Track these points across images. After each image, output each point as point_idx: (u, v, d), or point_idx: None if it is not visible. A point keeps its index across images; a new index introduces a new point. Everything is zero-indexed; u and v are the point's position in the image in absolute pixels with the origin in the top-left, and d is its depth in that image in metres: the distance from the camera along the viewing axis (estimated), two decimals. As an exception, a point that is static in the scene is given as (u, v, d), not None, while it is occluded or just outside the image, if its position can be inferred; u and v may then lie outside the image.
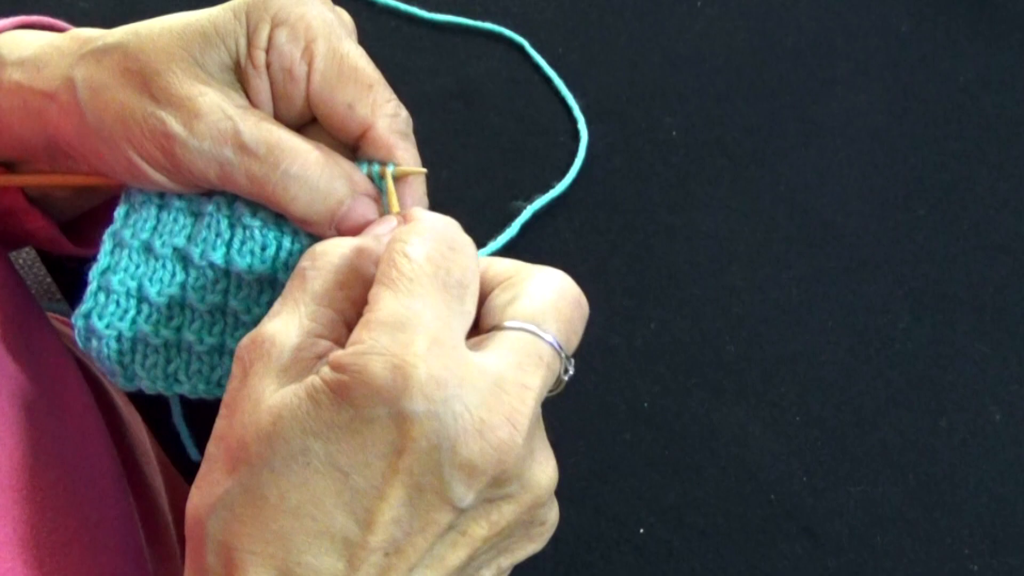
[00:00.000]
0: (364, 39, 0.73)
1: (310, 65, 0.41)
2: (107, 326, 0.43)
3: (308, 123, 0.44)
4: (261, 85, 0.42)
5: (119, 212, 0.43)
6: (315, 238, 0.43)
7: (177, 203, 0.43)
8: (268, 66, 0.41)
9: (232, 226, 0.43)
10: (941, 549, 0.55)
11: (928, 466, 0.57)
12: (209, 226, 0.42)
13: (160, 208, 0.43)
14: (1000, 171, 0.67)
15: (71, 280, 0.63)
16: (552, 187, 0.65)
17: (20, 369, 0.46)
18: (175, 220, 0.43)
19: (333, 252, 0.38)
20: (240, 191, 0.41)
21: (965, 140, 0.68)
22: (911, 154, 0.68)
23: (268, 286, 0.43)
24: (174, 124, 0.39)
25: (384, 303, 0.35)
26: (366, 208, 0.42)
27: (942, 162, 0.68)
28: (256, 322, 0.43)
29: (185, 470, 0.60)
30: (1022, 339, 0.61)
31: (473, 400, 0.34)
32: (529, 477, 0.37)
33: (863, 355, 0.61)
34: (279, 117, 0.43)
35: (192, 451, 0.46)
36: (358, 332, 0.35)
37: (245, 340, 0.37)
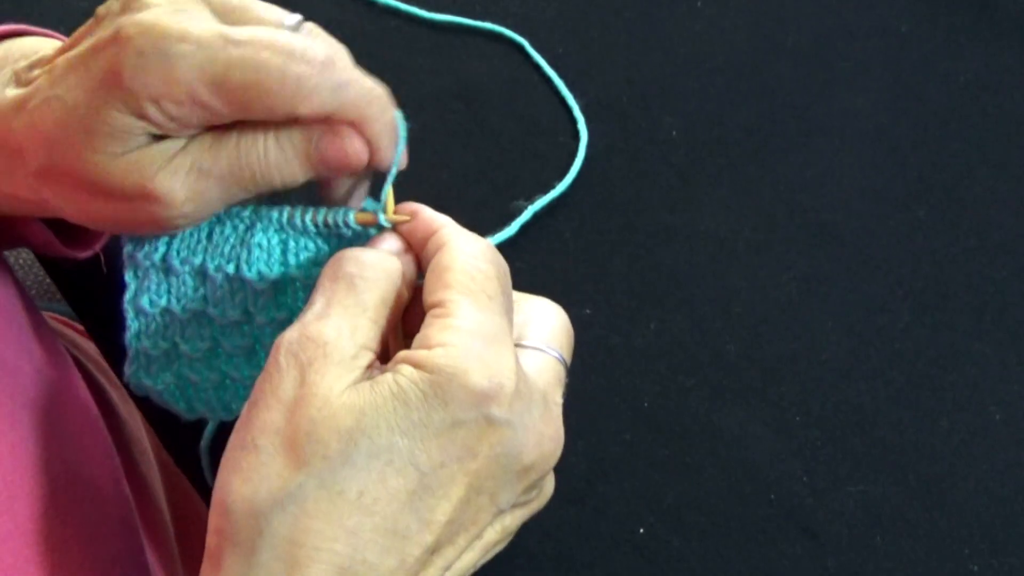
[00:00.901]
0: (364, 39, 0.73)
1: (209, 104, 0.38)
2: (157, 382, 0.44)
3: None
4: (184, 126, 0.39)
5: (128, 276, 0.44)
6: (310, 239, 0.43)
7: (180, 268, 0.43)
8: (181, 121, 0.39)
9: (244, 286, 0.43)
10: (941, 549, 0.55)
11: (928, 466, 0.57)
12: (221, 287, 0.43)
13: (167, 273, 0.44)
14: (1000, 171, 0.67)
15: (70, 280, 0.64)
16: (552, 187, 0.65)
17: (20, 369, 0.46)
18: (185, 284, 0.44)
19: (381, 267, 0.38)
20: (231, 85, 0.37)
21: (965, 140, 0.68)
22: (911, 154, 0.68)
23: (282, 324, 0.44)
24: (157, 211, 0.39)
25: (469, 313, 0.37)
26: (337, 136, 0.40)
27: (942, 162, 0.68)
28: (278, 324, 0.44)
29: (186, 468, 0.60)
30: (1022, 339, 0.61)
31: (535, 414, 0.37)
32: (545, 486, 0.40)
33: (863, 355, 0.61)
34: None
35: (208, 476, 0.48)
36: (439, 334, 0.36)
37: (294, 335, 0.36)
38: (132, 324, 0.44)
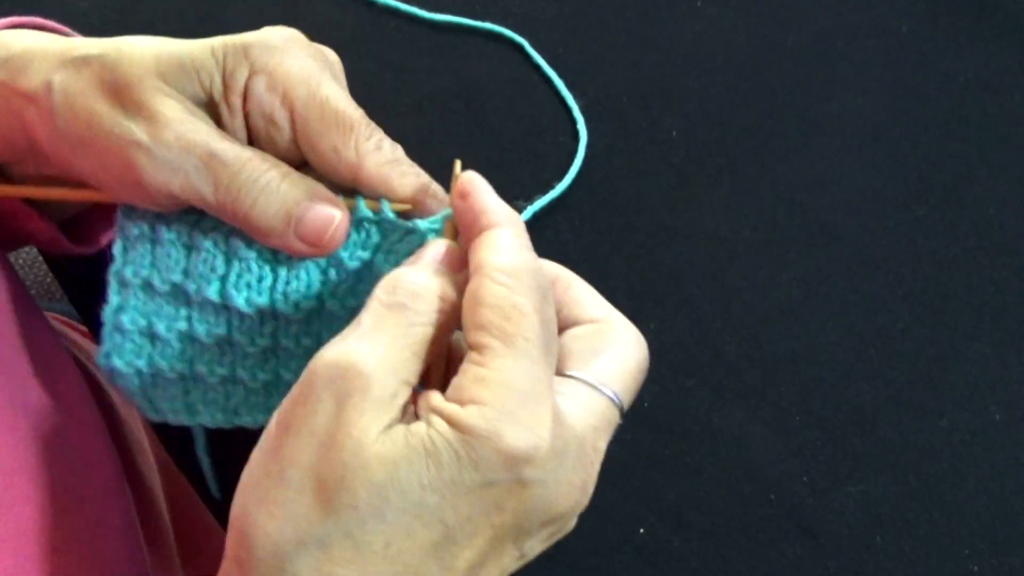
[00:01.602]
0: (364, 39, 0.73)
1: (291, 112, 0.41)
2: (127, 364, 0.43)
3: (300, 166, 0.43)
4: (236, 128, 0.42)
5: (117, 249, 0.43)
6: (312, 268, 0.42)
7: (167, 235, 0.43)
8: (247, 114, 0.41)
9: (228, 261, 0.42)
10: (941, 549, 0.55)
11: (928, 466, 0.57)
12: (205, 260, 0.43)
13: (153, 243, 0.43)
14: (1000, 171, 0.67)
15: (71, 279, 0.64)
16: (552, 187, 0.65)
17: (20, 369, 0.46)
18: (168, 255, 0.43)
19: (431, 297, 0.38)
20: (202, 201, 0.41)
21: (965, 140, 0.68)
22: (911, 154, 0.68)
23: (269, 317, 0.43)
24: (140, 134, 0.39)
25: (502, 361, 0.36)
26: (322, 209, 0.41)
27: (942, 162, 0.68)
28: (263, 352, 0.44)
29: (187, 470, 0.60)
30: (1022, 339, 0.61)
31: (570, 464, 0.37)
32: (566, 525, 0.39)
33: (863, 355, 0.61)
34: None
35: (212, 484, 0.47)
36: (473, 386, 0.35)
37: (334, 359, 0.35)
38: (113, 298, 0.43)
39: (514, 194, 0.65)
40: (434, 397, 0.36)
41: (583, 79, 0.70)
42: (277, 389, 0.45)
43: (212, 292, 0.42)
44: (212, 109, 0.41)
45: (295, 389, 0.36)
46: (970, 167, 0.67)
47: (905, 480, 0.57)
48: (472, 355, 0.36)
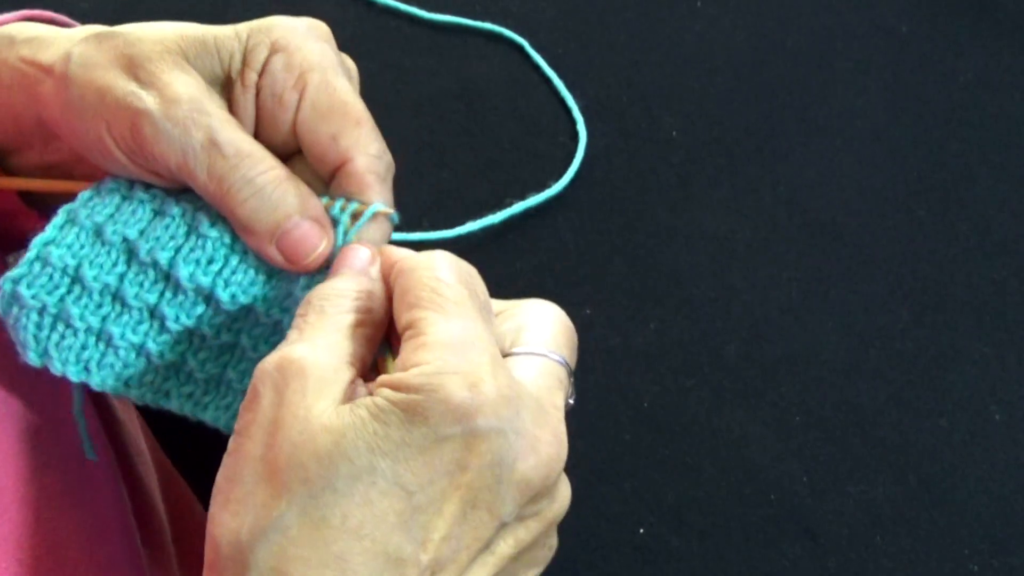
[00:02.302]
0: (364, 39, 0.73)
1: (301, 94, 0.41)
2: (33, 296, 0.42)
3: (290, 155, 0.44)
4: (246, 105, 0.42)
5: (83, 195, 0.43)
6: (260, 270, 0.43)
7: (141, 195, 0.43)
8: (258, 90, 0.42)
9: (188, 233, 0.42)
10: (941, 549, 0.55)
11: (928, 466, 0.57)
12: (167, 227, 0.42)
13: (124, 199, 0.43)
14: (1000, 171, 0.67)
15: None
16: (550, 187, 0.65)
17: (16, 370, 0.46)
18: (134, 212, 0.43)
19: (347, 292, 0.39)
20: (194, 183, 0.41)
21: (965, 140, 0.69)
22: (911, 154, 0.68)
23: (203, 300, 0.43)
24: (151, 102, 0.40)
25: (437, 326, 0.36)
26: (311, 231, 0.41)
27: (942, 162, 0.68)
28: (181, 333, 0.44)
29: (183, 469, 0.60)
30: (1022, 339, 0.61)
31: (528, 417, 0.36)
32: (556, 494, 0.38)
33: (863, 355, 0.61)
34: (260, 141, 0.43)
35: (89, 451, 0.46)
36: (413, 354, 0.35)
37: (272, 360, 0.36)
38: (52, 231, 0.42)
39: (514, 194, 0.65)
40: (380, 378, 0.36)
41: (583, 79, 0.70)
42: (176, 373, 0.45)
43: (163, 257, 0.42)
44: (227, 86, 0.42)
45: (244, 400, 0.36)
46: (970, 167, 0.67)
47: (905, 480, 0.57)
48: (408, 333, 0.36)
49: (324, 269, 0.42)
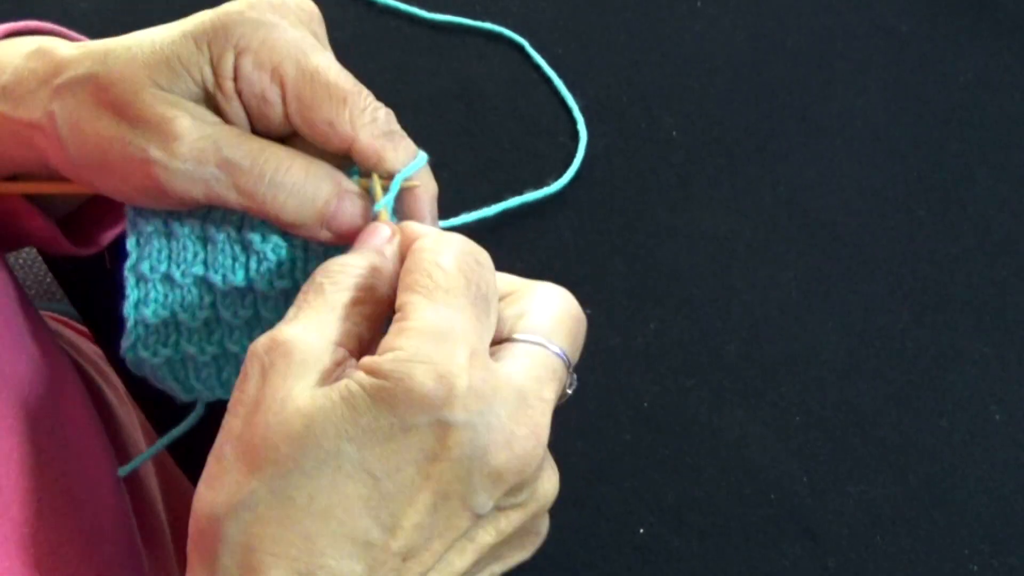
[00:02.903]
0: (364, 39, 0.73)
1: (282, 88, 0.41)
2: (154, 354, 0.44)
3: (291, 136, 0.44)
4: (235, 110, 0.42)
5: (130, 244, 0.44)
6: (324, 249, 0.43)
7: (180, 230, 0.44)
8: (239, 93, 0.41)
9: (245, 250, 0.43)
10: (941, 549, 0.55)
11: (928, 466, 0.57)
12: (223, 251, 0.44)
13: (168, 238, 0.44)
14: (1000, 171, 0.67)
15: (71, 280, 0.64)
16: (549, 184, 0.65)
17: (17, 371, 0.46)
18: (185, 248, 0.44)
19: (348, 268, 0.39)
20: (229, 206, 0.41)
21: (965, 140, 0.68)
22: (911, 154, 0.68)
23: (293, 293, 0.44)
24: (154, 150, 0.39)
25: (421, 312, 0.36)
26: (353, 205, 0.42)
27: (942, 162, 0.68)
28: None
29: (187, 469, 0.60)
30: (1022, 339, 0.61)
31: (503, 412, 0.36)
32: (538, 487, 0.38)
33: (863, 355, 0.61)
34: (260, 135, 0.43)
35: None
36: (394, 339, 0.35)
37: (262, 340, 0.37)
38: (132, 292, 0.44)
39: (513, 193, 0.65)
40: (362, 359, 0.36)
41: (583, 79, 0.70)
42: None
43: (239, 280, 0.43)
44: (209, 99, 0.42)
45: (237, 380, 0.37)
46: (970, 167, 0.67)
47: (905, 480, 0.57)
48: (397, 314, 0.37)
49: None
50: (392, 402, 0.34)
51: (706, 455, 0.57)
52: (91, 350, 0.64)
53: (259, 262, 0.43)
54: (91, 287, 0.61)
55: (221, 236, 0.43)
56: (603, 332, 0.61)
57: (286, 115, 0.42)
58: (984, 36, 0.73)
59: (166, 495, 0.60)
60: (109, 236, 0.53)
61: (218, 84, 0.41)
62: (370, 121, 0.42)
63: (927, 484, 0.57)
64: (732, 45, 0.72)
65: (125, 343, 0.44)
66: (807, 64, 0.72)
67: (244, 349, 0.43)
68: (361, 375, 0.35)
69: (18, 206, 0.48)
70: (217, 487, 0.35)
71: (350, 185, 0.42)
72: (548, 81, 0.70)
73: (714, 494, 0.56)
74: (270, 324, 0.44)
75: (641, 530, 0.55)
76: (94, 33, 0.48)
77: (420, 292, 0.36)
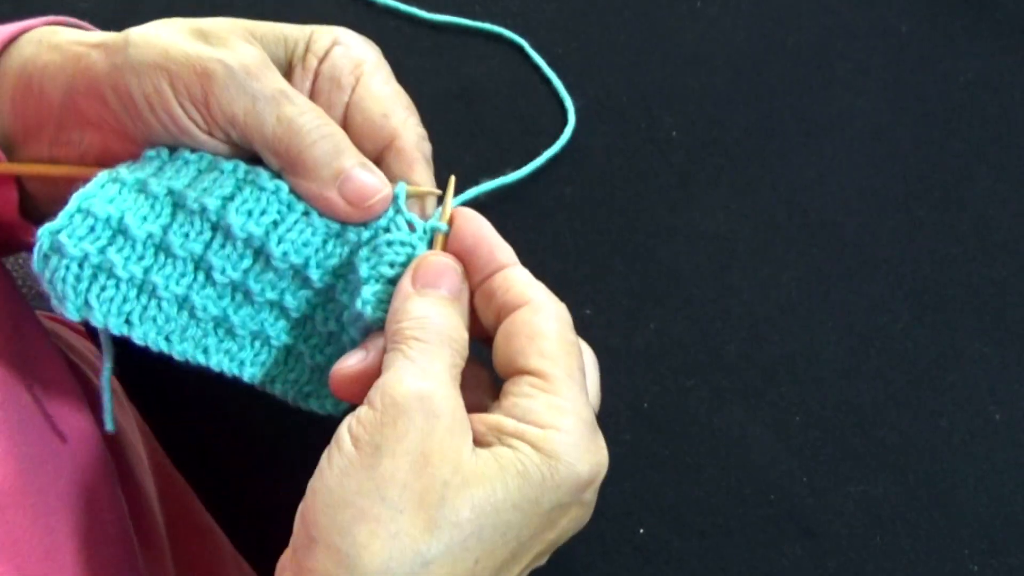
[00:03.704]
0: (364, 39, 0.72)
1: (357, 80, 0.44)
2: (75, 245, 0.40)
3: None
4: (303, 90, 0.44)
5: (125, 163, 0.43)
6: (323, 223, 0.43)
7: (187, 155, 0.43)
8: (316, 75, 0.44)
9: (240, 184, 0.42)
10: (941, 549, 0.55)
11: (928, 466, 0.57)
12: (216, 179, 0.42)
13: (169, 159, 0.43)
14: (1000, 171, 0.67)
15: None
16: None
17: (13, 373, 0.45)
18: (179, 169, 0.43)
19: (438, 319, 0.40)
20: (262, 130, 0.42)
21: (965, 140, 0.68)
22: (911, 154, 0.68)
23: (252, 254, 0.43)
24: (224, 53, 0.41)
25: (574, 395, 0.39)
26: (372, 178, 0.43)
27: (942, 162, 0.68)
28: (228, 285, 0.43)
29: (185, 470, 0.60)
30: (1022, 339, 0.61)
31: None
32: None
33: (863, 355, 0.61)
34: None
35: (108, 419, 0.46)
36: (552, 416, 0.38)
37: (412, 393, 0.37)
38: (93, 186, 0.41)
39: (513, 192, 0.65)
40: (507, 422, 0.38)
41: (583, 79, 0.70)
42: (222, 328, 0.44)
43: (212, 204, 0.42)
44: (287, 73, 0.45)
45: (374, 414, 0.37)
46: (970, 167, 0.67)
47: (905, 480, 0.57)
48: (535, 381, 0.39)
49: (385, 260, 0.42)
50: (559, 481, 0.37)
51: (706, 455, 0.57)
52: (88, 350, 0.64)
53: (243, 201, 0.42)
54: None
55: (227, 165, 0.42)
56: (603, 332, 0.61)
57: (346, 108, 0.44)
58: (984, 36, 0.73)
59: (163, 497, 0.60)
60: None
61: (304, 58, 0.44)
62: (422, 135, 0.46)
63: (927, 484, 0.57)
64: (732, 45, 0.72)
65: (49, 225, 0.41)
66: (807, 64, 0.72)
67: (165, 286, 0.42)
68: (529, 449, 0.37)
69: (12, 219, 0.47)
70: (385, 536, 0.35)
71: (375, 168, 0.43)
72: (548, 81, 0.70)
73: (714, 494, 0.56)
74: (208, 271, 0.43)
75: (641, 530, 0.55)
76: (94, 33, 0.48)
77: (563, 368, 0.39)
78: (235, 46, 0.42)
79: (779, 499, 0.56)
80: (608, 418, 0.58)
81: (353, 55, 0.44)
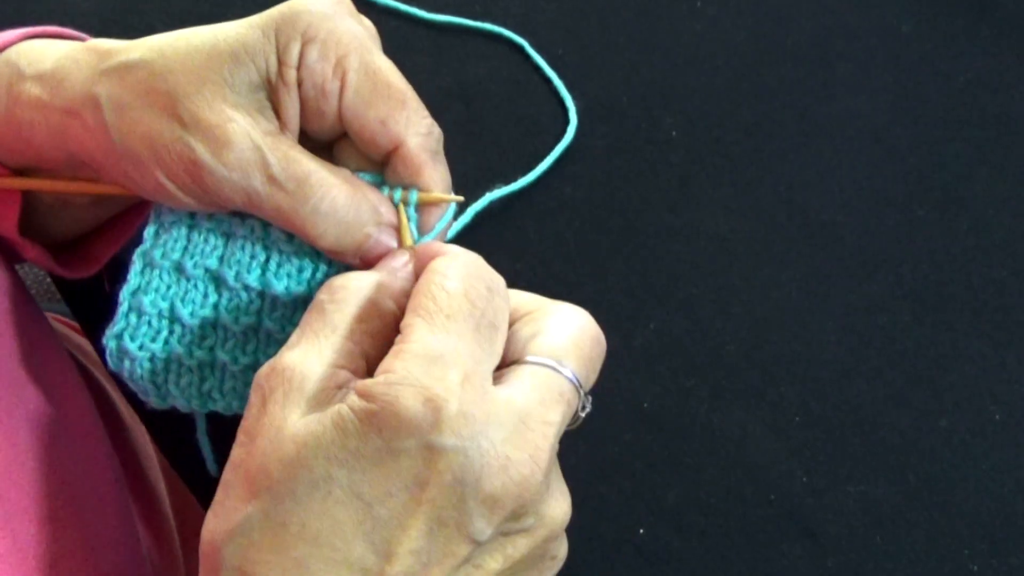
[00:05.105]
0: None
1: (342, 81, 0.41)
2: (140, 347, 0.42)
3: (338, 137, 0.43)
4: (291, 102, 0.41)
5: (148, 232, 0.43)
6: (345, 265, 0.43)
7: (207, 224, 0.43)
8: (299, 83, 0.41)
9: (267, 248, 0.43)
10: (941, 549, 0.55)
11: (928, 466, 0.57)
12: (243, 248, 0.42)
13: (191, 228, 0.43)
14: (1000, 171, 0.67)
15: (69, 284, 0.63)
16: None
17: (20, 376, 0.45)
18: (206, 241, 0.43)
19: (352, 286, 0.38)
20: (267, 219, 0.41)
21: (965, 140, 0.68)
22: (911, 154, 0.68)
23: (303, 305, 0.43)
24: (202, 152, 0.39)
25: (418, 335, 0.36)
26: (389, 239, 0.42)
27: (942, 162, 0.68)
28: (286, 339, 0.44)
29: (191, 480, 0.60)
30: (1022, 339, 0.61)
31: (498, 436, 0.35)
32: (545, 512, 0.37)
33: (863, 355, 0.61)
34: (310, 133, 0.42)
35: (212, 466, 0.46)
36: (390, 361, 0.35)
37: (264, 369, 0.37)
38: (134, 278, 0.42)
39: (513, 193, 0.65)
40: (357, 382, 0.36)
41: (583, 80, 0.70)
42: None
43: (253, 279, 0.42)
44: (268, 91, 0.41)
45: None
46: (970, 167, 0.67)
47: (905, 480, 0.57)
48: (399, 336, 0.36)
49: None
50: (380, 426, 0.34)
51: (706, 455, 0.57)
52: (96, 352, 0.64)
53: (279, 264, 0.42)
54: (90, 297, 0.61)
55: (244, 231, 0.42)
56: (603, 332, 0.61)
57: (339, 112, 0.42)
58: (984, 36, 0.73)
59: (174, 497, 0.60)
60: (110, 254, 0.53)
61: (281, 73, 0.41)
62: (424, 132, 0.42)
63: (927, 484, 0.57)
64: (732, 45, 0.72)
65: (111, 329, 0.42)
66: (807, 64, 0.72)
67: (234, 360, 0.43)
68: (354, 399, 0.34)
69: (11, 237, 0.47)
70: (219, 513, 0.35)
71: (390, 217, 0.42)
72: (548, 81, 0.70)
73: (714, 494, 0.56)
74: (268, 336, 0.43)
75: (641, 530, 0.55)
76: (94, 34, 0.48)
77: (421, 315, 0.36)
78: (210, 123, 0.39)
79: (779, 499, 0.56)
80: (608, 418, 0.58)
81: (330, 51, 0.41)
